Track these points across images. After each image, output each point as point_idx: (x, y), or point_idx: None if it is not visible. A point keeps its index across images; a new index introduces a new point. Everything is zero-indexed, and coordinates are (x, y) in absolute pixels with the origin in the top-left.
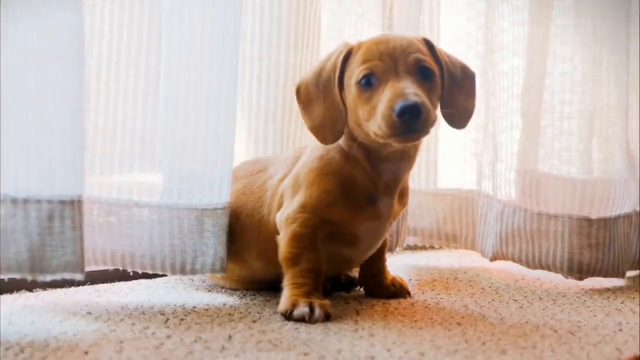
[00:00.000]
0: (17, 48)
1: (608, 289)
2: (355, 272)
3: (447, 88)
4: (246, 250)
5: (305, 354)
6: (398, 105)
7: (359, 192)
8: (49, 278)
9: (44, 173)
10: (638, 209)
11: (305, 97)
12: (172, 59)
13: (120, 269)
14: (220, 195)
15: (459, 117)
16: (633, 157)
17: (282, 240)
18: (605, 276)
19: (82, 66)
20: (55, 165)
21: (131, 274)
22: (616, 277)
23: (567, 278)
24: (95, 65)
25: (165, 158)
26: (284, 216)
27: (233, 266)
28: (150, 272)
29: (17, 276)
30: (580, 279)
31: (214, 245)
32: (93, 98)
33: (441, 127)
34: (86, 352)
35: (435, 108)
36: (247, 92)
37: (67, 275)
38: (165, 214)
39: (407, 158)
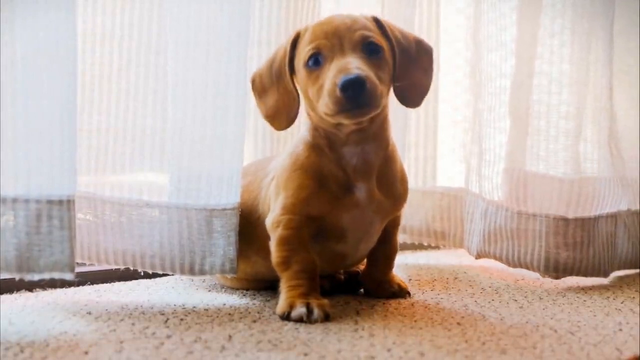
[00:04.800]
0: (5, 47)
1: (608, 289)
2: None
3: (400, 64)
4: (248, 245)
5: (305, 354)
6: (340, 80)
7: (331, 182)
8: (36, 277)
9: (33, 173)
10: (633, 208)
11: (260, 87)
12: (179, 58)
13: (123, 268)
14: (230, 195)
15: (413, 93)
16: (622, 157)
17: (272, 246)
18: (584, 275)
19: (74, 66)
20: (45, 165)
21: (132, 271)
22: (597, 276)
23: (543, 277)
24: (107, 64)
25: (174, 157)
26: (270, 221)
27: (239, 262)
28: (160, 272)
29: (5, 275)
30: (557, 277)
31: (223, 246)
32: (104, 98)
33: (439, 126)
34: (86, 352)
35: (384, 83)
36: None
37: (56, 275)
38: (174, 214)
39: (371, 139)
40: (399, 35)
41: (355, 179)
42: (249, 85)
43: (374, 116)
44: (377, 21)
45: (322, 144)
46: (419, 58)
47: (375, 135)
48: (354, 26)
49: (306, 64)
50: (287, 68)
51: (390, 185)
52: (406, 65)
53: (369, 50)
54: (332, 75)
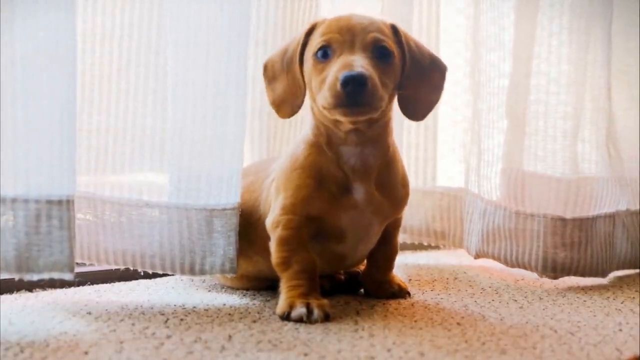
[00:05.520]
0: (5, 47)
1: (608, 289)
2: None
3: (408, 75)
4: (249, 245)
5: (305, 354)
6: (342, 74)
7: (330, 181)
8: (36, 277)
9: (32, 173)
10: (632, 209)
11: (271, 73)
12: (179, 58)
13: (123, 268)
14: (229, 195)
15: (418, 107)
16: (620, 157)
17: (272, 246)
18: (582, 275)
19: (73, 66)
20: (44, 165)
21: (132, 271)
22: (595, 276)
23: (541, 277)
24: (107, 64)
25: (174, 157)
26: (270, 222)
27: (240, 260)
28: (161, 272)
29: (5, 275)
30: (555, 278)
31: (223, 246)
32: (104, 98)
33: (439, 126)
34: (86, 352)
35: (387, 89)
36: None
37: (56, 275)
38: (174, 214)
39: (370, 142)
40: (413, 47)
41: (353, 180)
42: (249, 85)
43: (373, 120)
44: (394, 28)
45: (322, 142)
46: (430, 73)
47: (374, 139)
48: (369, 27)
49: (315, 55)
50: (297, 57)
51: (391, 189)
52: (415, 77)
53: (378, 53)
54: (335, 69)
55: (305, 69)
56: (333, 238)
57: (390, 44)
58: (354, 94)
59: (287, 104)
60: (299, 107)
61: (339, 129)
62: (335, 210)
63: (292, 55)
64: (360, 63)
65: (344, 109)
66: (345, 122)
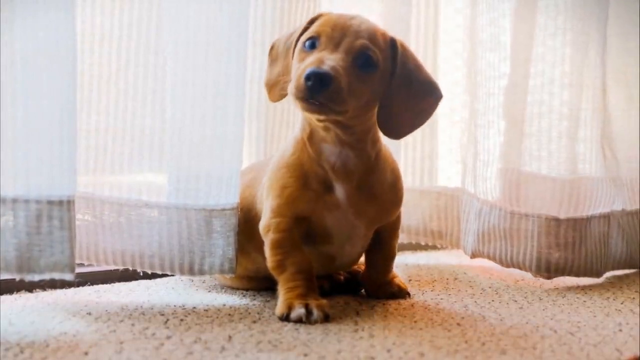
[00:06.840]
0: (5, 47)
1: (608, 290)
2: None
3: (395, 92)
4: (248, 242)
5: (305, 355)
6: (309, 69)
7: (312, 179)
8: (37, 278)
9: (32, 173)
10: (628, 209)
11: (275, 54)
12: (178, 58)
13: (123, 268)
14: (229, 196)
15: (397, 126)
16: (616, 158)
17: (266, 250)
18: (576, 275)
19: (73, 66)
20: (45, 166)
21: (132, 271)
22: (589, 277)
23: (535, 277)
24: (106, 65)
25: (173, 157)
26: (262, 226)
27: (240, 258)
28: (160, 272)
29: (5, 275)
30: (549, 278)
31: (222, 246)
32: (103, 98)
33: (437, 127)
34: (86, 353)
35: (359, 98)
36: None
37: (57, 275)
38: (173, 214)
39: (349, 146)
40: (410, 66)
41: (334, 178)
42: (249, 85)
43: (345, 125)
44: (392, 43)
45: (306, 138)
46: (421, 97)
47: (352, 145)
48: (362, 33)
49: (303, 43)
50: (294, 43)
51: (377, 195)
52: (402, 96)
53: (361, 61)
54: (308, 61)
55: (294, 55)
56: (320, 239)
57: (378, 55)
58: (313, 90)
59: (278, 87)
60: (286, 94)
61: (316, 124)
62: (319, 209)
63: (292, 40)
64: (332, 63)
65: (302, 102)
66: (308, 116)
